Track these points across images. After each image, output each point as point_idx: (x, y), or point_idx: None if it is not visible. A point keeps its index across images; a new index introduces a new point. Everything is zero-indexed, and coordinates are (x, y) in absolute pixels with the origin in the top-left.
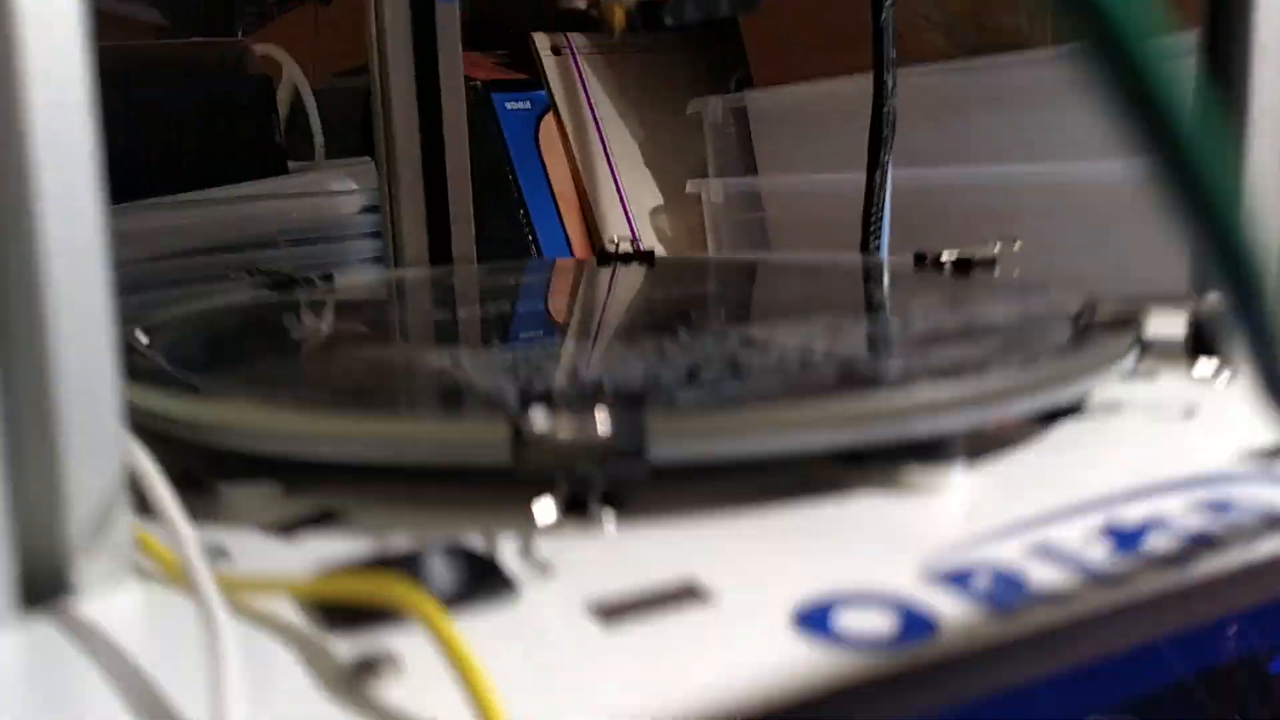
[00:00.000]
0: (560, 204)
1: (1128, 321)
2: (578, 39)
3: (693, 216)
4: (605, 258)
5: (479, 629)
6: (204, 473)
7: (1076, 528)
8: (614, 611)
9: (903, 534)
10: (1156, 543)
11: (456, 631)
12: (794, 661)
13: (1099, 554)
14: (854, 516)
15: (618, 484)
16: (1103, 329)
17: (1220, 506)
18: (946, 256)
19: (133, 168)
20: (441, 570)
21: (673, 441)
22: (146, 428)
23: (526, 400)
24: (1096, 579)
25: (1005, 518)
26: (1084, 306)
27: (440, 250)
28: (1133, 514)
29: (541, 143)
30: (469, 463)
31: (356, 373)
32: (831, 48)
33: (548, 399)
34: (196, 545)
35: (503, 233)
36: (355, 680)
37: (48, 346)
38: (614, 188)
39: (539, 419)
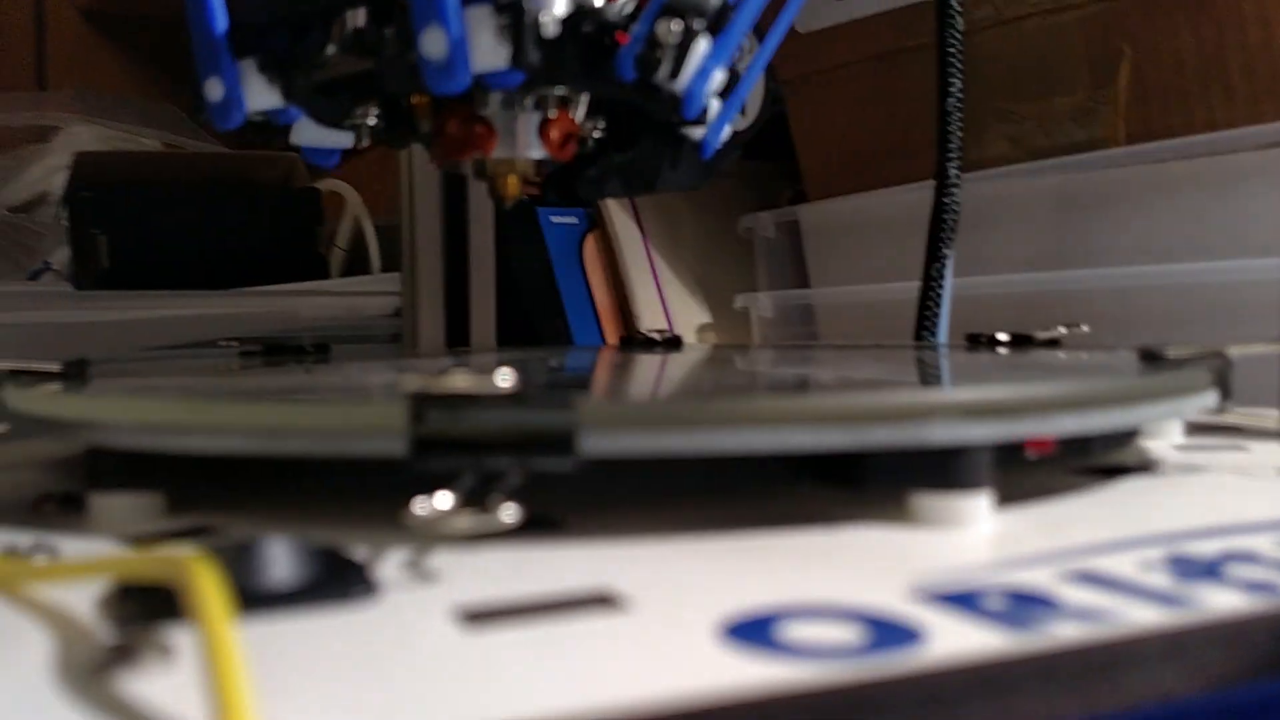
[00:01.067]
0: (602, 316)
1: (1204, 357)
2: None
3: (740, 333)
4: (629, 343)
5: (308, 626)
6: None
7: (1131, 558)
8: (489, 616)
9: (897, 558)
10: (1239, 573)
11: (226, 620)
12: (708, 672)
13: (1161, 581)
14: (839, 541)
15: (545, 492)
16: (1173, 363)
17: None
18: (1003, 336)
19: (183, 264)
20: (280, 560)
21: (611, 430)
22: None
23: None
24: (1157, 601)
25: (1038, 548)
26: (1155, 346)
27: (461, 343)
28: (1207, 548)
29: (586, 256)
30: (358, 453)
31: (282, 385)
32: (887, 159)
33: (466, 396)
34: None
35: (543, 341)
36: (103, 665)
37: None
38: (659, 302)
39: (441, 387)
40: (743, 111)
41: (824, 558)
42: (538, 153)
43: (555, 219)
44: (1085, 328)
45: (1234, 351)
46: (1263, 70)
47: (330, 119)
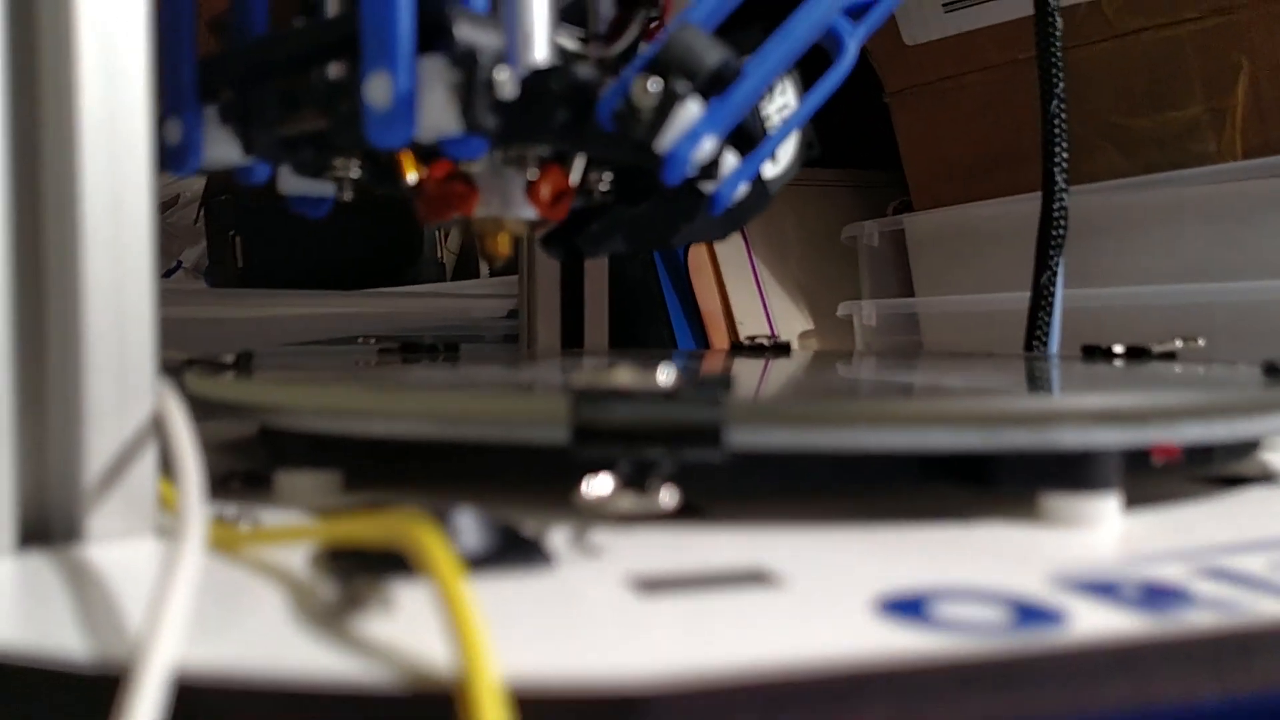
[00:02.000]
0: (707, 323)
1: None
2: None
3: (842, 340)
4: (738, 349)
5: (500, 588)
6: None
7: (1260, 559)
8: (659, 585)
9: (1033, 551)
10: None
11: (457, 574)
12: (868, 640)
13: None
14: (975, 535)
15: (694, 483)
16: None
17: None
18: (1119, 348)
19: (311, 265)
20: (470, 530)
21: (758, 426)
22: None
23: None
24: None
25: (1168, 546)
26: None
27: (574, 345)
28: None
29: (691, 264)
30: (524, 440)
31: (442, 378)
32: (995, 170)
33: (618, 392)
34: (197, 480)
35: (647, 345)
36: (336, 613)
37: (81, 295)
38: (761, 309)
39: (600, 385)
40: (773, 160)
41: (963, 549)
42: (527, 212)
43: None
44: (1202, 341)
45: None
46: None
47: (304, 172)
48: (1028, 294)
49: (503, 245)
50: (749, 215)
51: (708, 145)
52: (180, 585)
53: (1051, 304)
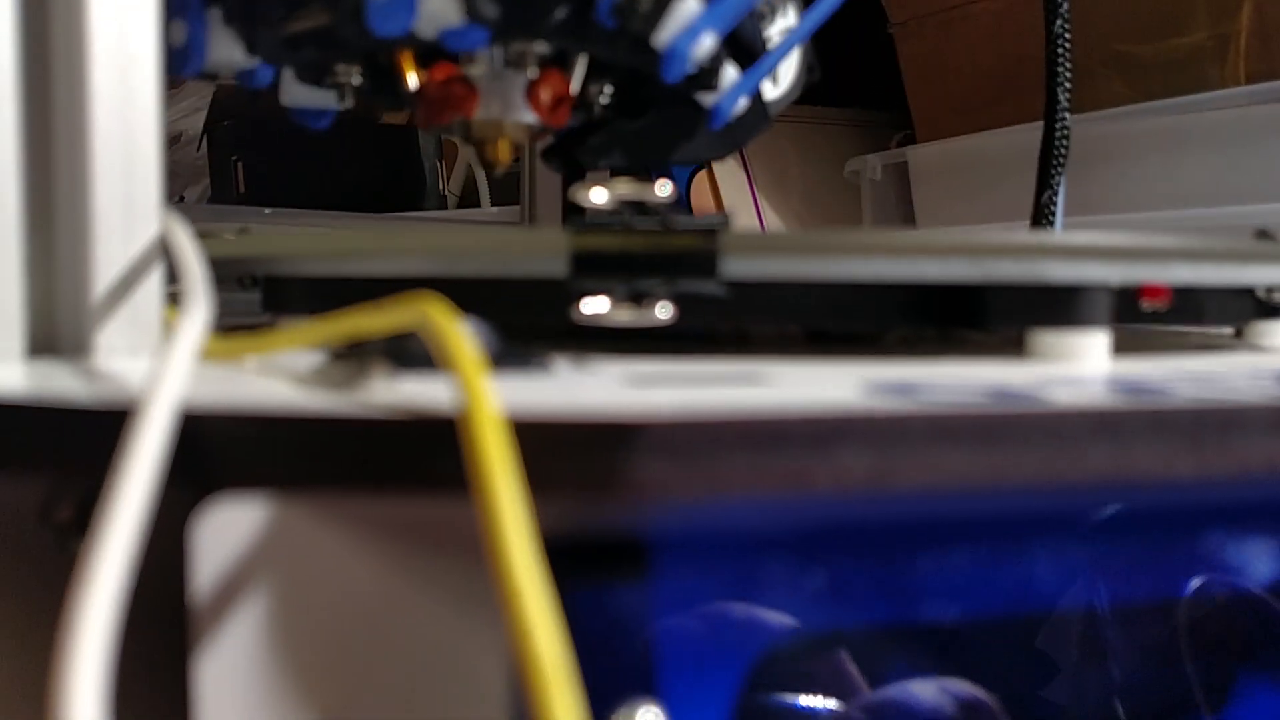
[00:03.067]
0: None
1: None
2: None
3: None
4: None
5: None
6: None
7: (1245, 372)
8: (654, 380)
9: (1021, 370)
10: None
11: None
12: (853, 401)
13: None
14: (965, 362)
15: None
16: None
17: None
18: None
19: (312, 191)
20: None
21: (752, 255)
22: None
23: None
24: (1270, 392)
25: (1154, 368)
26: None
27: None
28: None
29: (693, 197)
30: (524, 274)
31: None
32: (1000, 100)
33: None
34: (200, 275)
35: None
36: (343, 382)
37: (88, 110)
38: None
39: (596, 198)
40: (774, 80)
41: (953, 363)
42: (527, 116)
43: None
44: None
45: None
46: None
47: (307, 76)
48: (1028, 224)
49: (503, 152)
50: (749, 134)
51: (706, 42)
52: (190, 328)
53: (1052, 225)
